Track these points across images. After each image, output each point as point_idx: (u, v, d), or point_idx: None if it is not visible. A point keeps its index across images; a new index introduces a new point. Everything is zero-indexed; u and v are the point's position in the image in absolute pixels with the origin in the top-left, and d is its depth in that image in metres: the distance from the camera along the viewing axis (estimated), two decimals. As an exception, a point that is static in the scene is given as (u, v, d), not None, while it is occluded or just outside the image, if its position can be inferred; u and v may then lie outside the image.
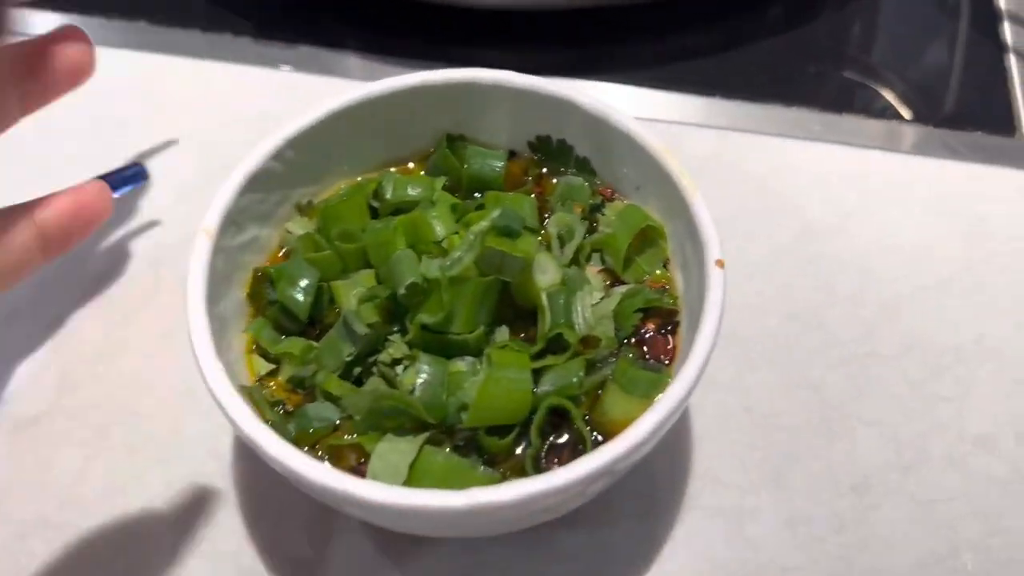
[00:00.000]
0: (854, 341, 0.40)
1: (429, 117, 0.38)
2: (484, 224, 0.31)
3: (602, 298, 0.34)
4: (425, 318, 0.31)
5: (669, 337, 0.33)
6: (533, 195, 0.37)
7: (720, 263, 0.31)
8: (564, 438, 0.31)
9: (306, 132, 0.35)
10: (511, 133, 0.38)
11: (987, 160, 0.47)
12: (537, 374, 0.31)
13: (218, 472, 0.37)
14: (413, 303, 0.31)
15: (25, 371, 0.40)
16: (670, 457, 0.37)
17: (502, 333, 0.33)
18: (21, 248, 0.28)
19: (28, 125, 0.30)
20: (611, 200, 0.37)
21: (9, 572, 0.35)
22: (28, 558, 0.35)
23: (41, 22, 0.52)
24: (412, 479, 0.29)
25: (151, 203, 0.46)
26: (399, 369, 0.32)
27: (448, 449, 0.30)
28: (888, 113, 0.49)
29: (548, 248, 0.35)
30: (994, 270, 0.43)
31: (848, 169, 0.47)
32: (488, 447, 0.30)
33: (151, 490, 0.36)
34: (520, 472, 0.30)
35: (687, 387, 0.28)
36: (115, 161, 0.46)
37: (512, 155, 0.39)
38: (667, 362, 0.33)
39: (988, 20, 0.54)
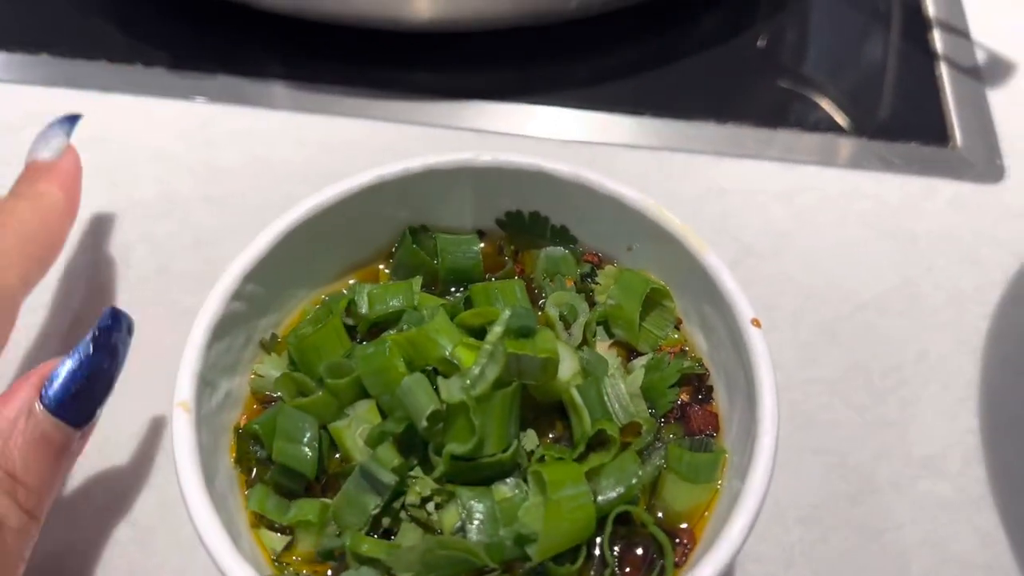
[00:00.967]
0: (795, 366, 0.40)
1: (387, 213, 0.34)
2: (498, 330, 0.28)
3: (627, 376, 0.31)
4: (456, 448, 0.27)
5: (707, 406, 0.31)
6: (517, 276, 0.34)
7: (756, 323, 0.29)
8: (621, 546, 0.28)
9: (263, 260, 0.31)
10: (476, 213, 0.35)
11: (922, 171, 0.47)
12: (588, 478, 0.28)
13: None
14: (434, 433, 0.28)
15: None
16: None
17: (530, 439, 0.30)
18: None
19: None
20: (600, 266, 0.35)
21: None
22: None
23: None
24: (494, 640, 0.25)
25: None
26: (430, 507, 0.28)
27: (515, 590, 0.27)
28: (822, 126, 0.49)
29: (552, 330, 0.32)
30: (931, 285, 0.43)
31: (783, 186, 0.46)
32: (557, 576, 0.27)
33: None
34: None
35: (768, 472, 0.26)
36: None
37: (480, 234, 0.36)
38: (713, 433, 0.30)
39: (918, 28, 0.55)
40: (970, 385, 0.39)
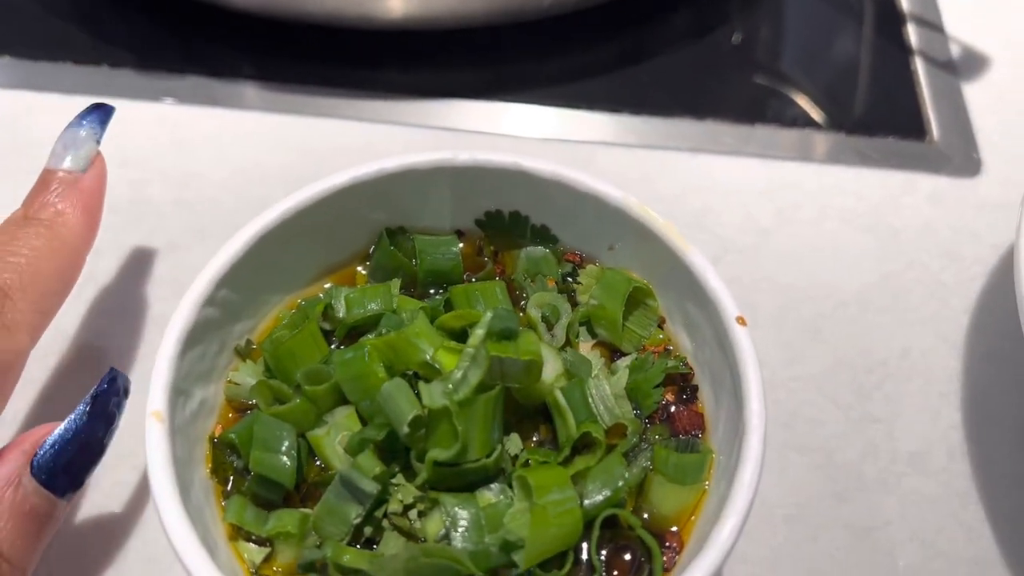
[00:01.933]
0: (779, 364, 0.39)
1: (363, 214, 0.33)
2: (480, 332, 0.28)
3: (611, 377, 0.31)
4: (439, 454, 0.27)
5: (693, 406, 0.31)
6: (498, 277, 0.33)
7: (741, 320, 0.28)
8: (608, 550, 0.28)
9: (236, 265, 0.30)
10: (455, 213, 0.35)
11: (899, 166, 0.47)
12: (574, 482, 0.28)
13: None
14: (416, 439, 0.27)
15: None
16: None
17: (514, 443, 0.29)
18: None
19: None
20: (581, 265, 0.34)
21: None
22: None
23: None
24: (481, 649, 0.25)
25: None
26: (413, 515, 0.28)
27: (501, 598, 0.26)
28: (800, 121, 0.49)
29: (534, 332, 0.32)
30: (912, 280, 0.43)
31: (763, 182, 0.46)
32: (544, 583, 0.26)
33: None
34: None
35: (756, 473, 0.26)
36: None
37: (459, 234, 0.35)
38: (699, 434, 0.30)
39: (892, 23, 0.55)
40: (953, 380, 0.39)
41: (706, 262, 0.30)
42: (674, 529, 0.28)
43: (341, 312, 0.32)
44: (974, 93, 0.50)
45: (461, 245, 0.34)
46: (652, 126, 0.48)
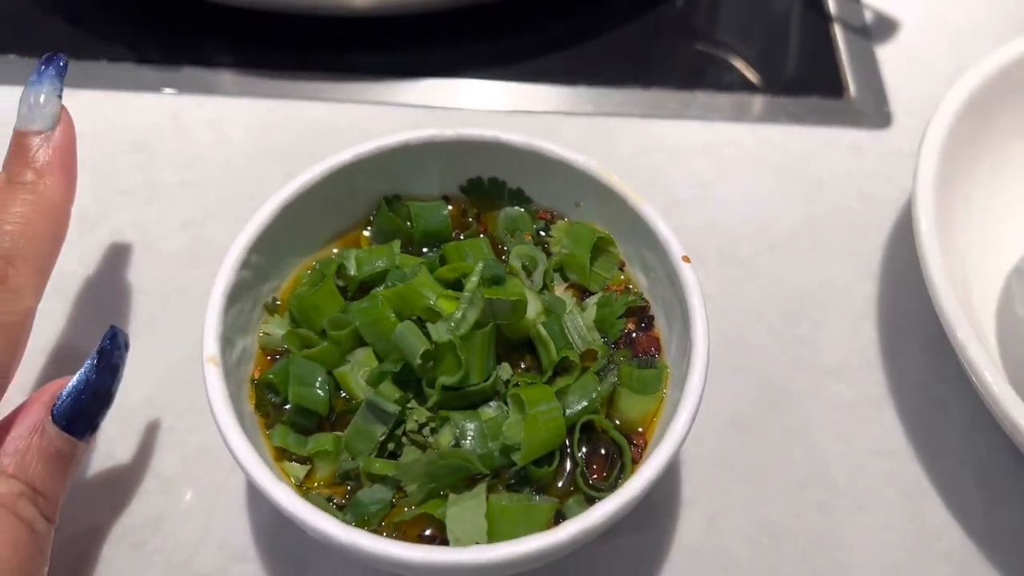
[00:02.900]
0: (721, 298, 0.46)
1: (365, 186, 0.39)
2: (475, 279, 0.34)
3: (582, 312, 0.37)
4: (446, 380, 0.33)
5: (650, 332, 0.37)
6: (482, 235, 0.39)
7: (687, 259, 0.35)
8: (587, 449, 0.34)
9: (265, 231, 0.35)
10: (442, 181, 0.40)
11: (822, 122, 0.53)
12: (557, 397, 0.34)
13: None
14: (427, 369, 0.33)
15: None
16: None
17: (505, 371, 0.35)
18: None
19: None
20: (553, 221, 0.40)
21: None
22: None
23: None
24: (492, 530, 0.31)
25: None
26: (426, 432, 0.34)
27: (504, 491, 0.33)
28: (735, 86, 0.55)
29: (517, 278, 0.37)
30: (833, 221, 0.49)
31: (704, 142, 0.52)
32: (538, 477, 0.33)
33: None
34: (565, 493, 0.33)
35: (703, 377, 0.32)
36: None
37: (446, 199, 0.41)
38: (656, 353, 0.36)
39: None
40: (869, 304, 0.46)
41: (656, 213, 0.36)
42: (640, 430, 0.34)
43: (352, 270, 0.37)
44: (885, 54, 0.57)
45: (449, 208, 0.40)
46: (606, 96, 0.54)
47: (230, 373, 0.33)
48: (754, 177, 0.51)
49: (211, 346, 0.32)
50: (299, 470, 0.33)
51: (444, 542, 0.31)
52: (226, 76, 0.53)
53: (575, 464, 0.33)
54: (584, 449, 0.34)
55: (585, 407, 0.33)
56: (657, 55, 0.56)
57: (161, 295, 0.44)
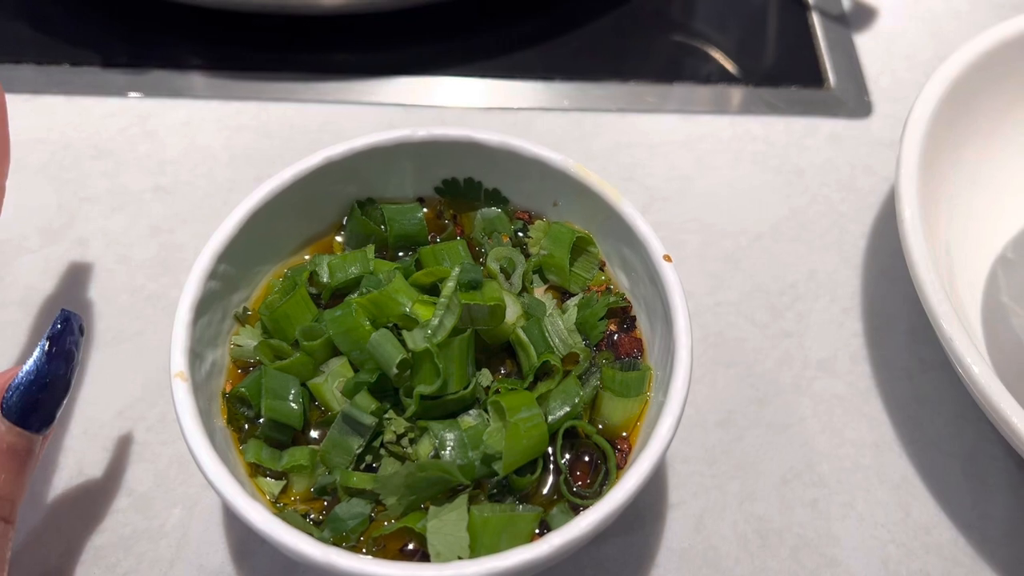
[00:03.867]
0: (704, 293, 0.45)
1: (336, 189, 0.38)
2: (451, 284, 0.33)
3: (562, 315, 0.36)
4: (424, 389, 0.32)
5: (632, 333, 0.36)
6: (458, 237, 0.38)
7: (668, 258, 0.34)
8: (571, 455, 0.34)
9: (232, 240, 0.34)
10: (416, 183, 0.39)
11: (802, 112, 0.53)
12: (538, 403, 0.33)
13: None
14: (404, 378, 0.32)
15: None
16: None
17: (485, 376, 0.34)
18: None
19: None
20: (531, 221, 0.39)
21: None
22: None
23: None
24: (474, 543, 0.30)
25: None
26: (404, 442, 0.33)
27: (486, 501, 0.32)
28: (714, 78, 0.54)
29: (495, 281, 0.37)
30: (815, 212, 0.49)
31: (683, 135, 0.51)
32: (521, 487, 0.32)
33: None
34: (549, 501, 0.32)
35: (686, 380, 0.31)
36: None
37: (421, 201, 0.40)
38: (639, 355, 0.36)
39: None
40: (854, 295, 0.46)
41: (636, 211, 0.35)
42: (624, 434, 0.34)
43: (325, 277, 0.36)
44: (864, 42, 0.56)
45: (424, 211, 0.39)
46: (583, 90, 0.53)
47: (199, 387, 0.32)
48: (735, 169, 0.50)
49: (178, 361, 0.31)
50: (274, 486, 0.32)
51: (425, 556, 0.30)
52: (194, 78, 0.52)
53: (559, 471, 0.33)
54: (568, 456, 0.33)
55: (567, 413, 0.33)
56: (634, 48, 0.56)
57: (131, 305, 0.43)
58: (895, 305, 0.45)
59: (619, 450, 0.33)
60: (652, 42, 0.56)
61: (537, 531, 0.31)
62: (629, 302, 0.37)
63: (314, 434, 0.34)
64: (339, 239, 0.39)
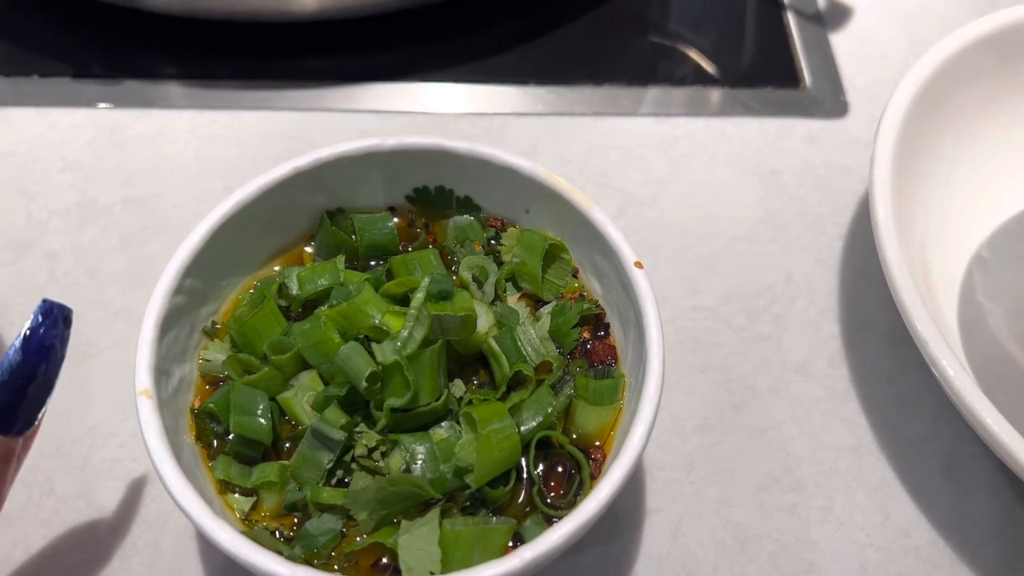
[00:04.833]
0: (681, 297, 0.45)
1: (305, 200, 0.37)
2: (420, 296, 0.32)
3: (535, 323, 0.36)
4: (395, 402, 0.31)
5: (606, 340, 0.36)
6: (431, 245, 0.38)
7: (639, 265, 0.34)
8: (544, 465, 0.33)
9: (198, 255, 0.34)
10: (387, 191, 0.39)
11: (778, 113, 0.52)
12: (511, 413, 0.33)
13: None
14: (374, 391, 0.32)
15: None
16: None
17: (458, 387, 0.34)
18: None
19: None
20: (503, 229, 0.39)
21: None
22: None
23: None
24: (446, 558, 0.30)
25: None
26: (376, 456, 0.32)
27: (459, 514, 0.31)
28: (689, 80, 0.54)
29: (467, 291, 0.36)
30: (792, 213, 0.48)
31: (658, 138, 0.51)
32: (493, 499, 0.31)
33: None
34: (523, 513, 0.32)
35: (658, 388, 0.31)
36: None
37: (392, 210, 0.39)
38: (613, 362, 0.35)
39: None
40: (831, 297, 0.45)
41: (607, 218, 0.35)
42: (597, 443, 0.33)
43: (295, 289, 0.36)
44: (840, 41, 0.56)
45: (395, 220, 0.38)
46: (557, 94, 0.53)
47: (166, 405, 0.31)
48: (710, 172, 0.50)
49: (143, 379, 0.31)
50: (244, 503, 0.32)
51: (397, 571, 0.30)
52: (165, 88, 0.51)
53: (532, 482, 0.32)
54: (541, 466, 0.33)
55: (540, 423, 0.32)
56: (609, 51, 0.55)
57: (102, 319, 0.43)
58: (873, 306, 0.45)
59: (593, 459, 0.33)
60: (627, 44, 0.55)
61: (511, 543, 0.31)
62: (603, 309, 0.37)
63: (286, 448, 0.33)
64: (309, 250, 0.38)
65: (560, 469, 0.33)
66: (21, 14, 0.54)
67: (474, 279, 0.37)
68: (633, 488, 0.39)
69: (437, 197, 0.39)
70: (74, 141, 0.49)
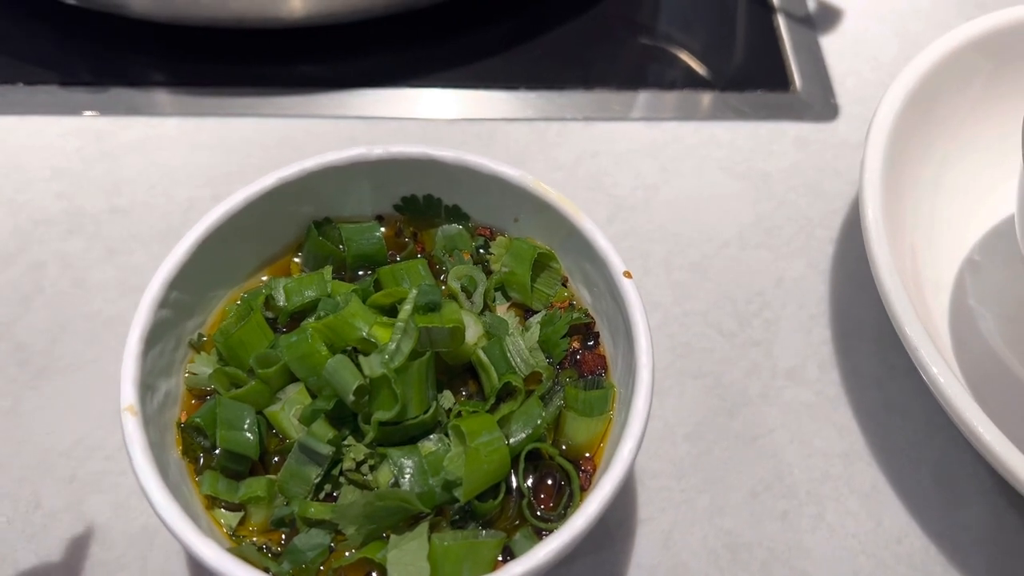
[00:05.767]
0: (671, 303, 0.44)
1: (291, 210, 0.37)
2: (408, 308, 0.32)
3: (524, 333, 0.35)
4: (383, 415, 0.31)
5: (596, 350, 0.36)
6: (419, 255, 0.38)
7: (628, 274, 0.33)
8: (534, 477, 0.33)
9: (183, 268, 0.33)
10: (374, 200, 0.38)
11: (768, 116, 0.52)
12: (500, 425, 0.32)
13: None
14: (362, 404, 0.32)
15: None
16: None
17: (447, 398, 0.34)
18: None
19: None
20: (492, 238, 0.38)
21: None
22: None
23: None
24: (435, 573, 0.29)
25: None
26: (364, 470, 0.32)
27: (448, 528, 0.31)
28: (679, 84, 0.53)
29: (456, 301, 0.36)
30: (783, 218, 0.48)
31: (648, 143, 0.51)
32: (483, 512, 0.31)
33: None
34: (513, 526, 0.32)
35: (647, 399, 0.31)
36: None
37: (379, 219, 0.39)
38: (603, 372, 0.35)
39: None
40: (822, 302, 0.45)
41: (595, 227, 0.35)
42: (588, 455, 0.33)
43: (281, 301, 0.35)
44: (830, 44, 0.56)
45: (383, 229, 0.38)
46: (547, 99, 0.52)
47: (151, 420, 0.31)
48: (700, 176, 0.49)
49: (128, 394, 0.30)
50: (231, 518, 0.32)
51: (386, 586, 0.30)
52: (151, 95, 0.51)
53: (521, 495, 0.32)
54: (531, 478, 0.33)
55: (530, 435, 0.32)
56: (600, 55, 0.55)
57: (89, 330, 0.42)
58: (863, 311, 0.45)
59: (583, 471, 0.33)
60: (618, 49, 0.55)
61: (500, 557, 0.31)
62: (592, 318, 0.36)
63: (274, 462, 0.33)
64: (297, 260, 0.38)
65: (550, 481, 0.33)
66: (5, 21, 0.54)
67: (463, 289, 0.36)
68: (624, 497, 0.39)
69: (425, 206, 0.39)
70: (60, 150, 0.48)
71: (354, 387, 0.31)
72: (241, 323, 0.34)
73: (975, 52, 0.46)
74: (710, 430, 0.41)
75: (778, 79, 0.54)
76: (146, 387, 0.31)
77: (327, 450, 0.31)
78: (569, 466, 0.32)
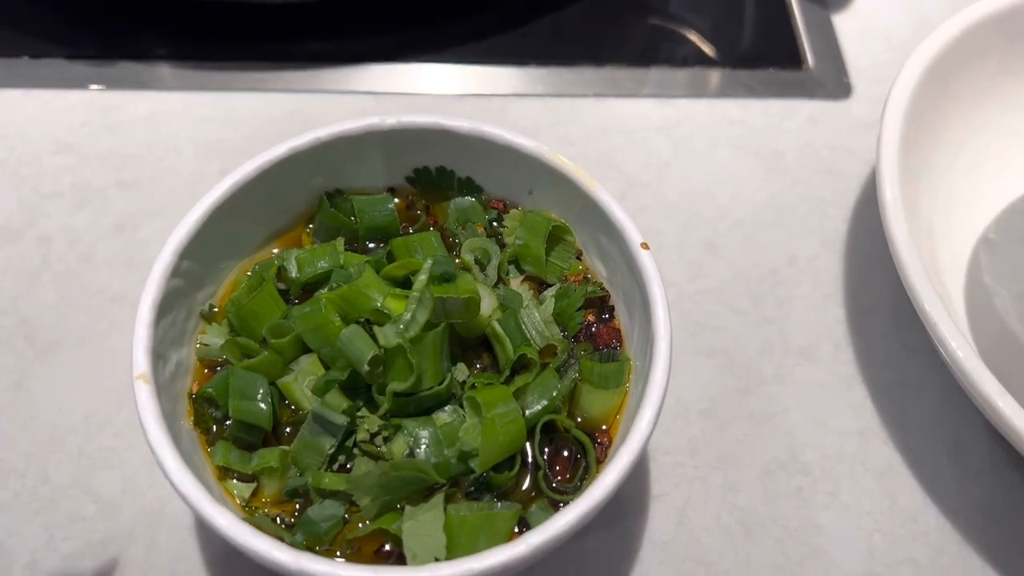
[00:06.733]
0: (684, 281, 0.44)
1: (303, 181, 0.37)
2: (423, 278, 0.31)
3: (539, 306, 0.35)
4: (398, 386, 0.31)
5: (611, 323, 0.35)
6: (432, 228, 0.37)
7: (645, 246, 0.33)
8: (550, 450, 0.33)
9: (194, 237, 0.33)
10: (387, 172, 0.38)
11: (780, 94, 0.52)
12: (515, 397, 0.32)
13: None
14: (376, 375, 0.31)
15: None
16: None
17: (461, 371, 0.33)
18: None
19: None
20: (506, 211, 0.38)
21: None
22: None
23: None
24: (451, 544, 0.29)
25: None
26: (378, 441, 0.32)
27: (463, 500, 0.31)
28: (691, 61, 0.53)
29: (470, 273, 0.36)
30: (796, 196, 0.48)
31: (660, 120, 0.50)
32: (498, 484, 0.31)
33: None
34: (528, 498, 0.31)
35: (666, 371, 0.30)
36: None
37: (392, 191, 0.39)
38: (618, 345, 0.35)
39: None
40: (835, 280, 0.45)
41: (611, 198, 0.34)
42: (604, 427, 0.33)
43: (294, 272, 0.35)
44: (843, 22, 0.56)
45: (395, 201, 0.37)
46: (558, 75, 0.52)
47: (164, 390, 0.31)
48: (713, 154, 0.49)
49: (141, 363, 0.30)
50: (244, 489, 0.31)
51: (401, 557, 0.29)
52: (159, 69, 0.50)
53: (537, 467, 0.32)
54: (547, 450, 0.32)
55: (545, 406, 0.32)
56: (611, 32, 0.54)
57: (97, 305, 0.42)
58: (877, 290, 0.44)
59: (599, 443, 0.33)
60: (628, 25, 0.55)
61: (516, 529, 0.30)
62: (607, 291, 0.36)
63: (286, 433, 0.33)
64: (308, 232, 0.38)
65: (565, 453, 0.32)
66: (8, -5, 0.53)
67: (476, 262, 0.36)
68: (638, 473, 0.38)
69: (438, 178, 0.38)
70: (66, 123, 0.48)
71: (369, 357, 0.30)
72: (253, 294, 0.34)
73: (991, 29, 0.46)
74: (724, 407, 0.40)
75: (790, 56, 0.53)
76: (158, 356, 0.31)
77: (341, 420, 0.30)
78: (585, 438, 0.32)
